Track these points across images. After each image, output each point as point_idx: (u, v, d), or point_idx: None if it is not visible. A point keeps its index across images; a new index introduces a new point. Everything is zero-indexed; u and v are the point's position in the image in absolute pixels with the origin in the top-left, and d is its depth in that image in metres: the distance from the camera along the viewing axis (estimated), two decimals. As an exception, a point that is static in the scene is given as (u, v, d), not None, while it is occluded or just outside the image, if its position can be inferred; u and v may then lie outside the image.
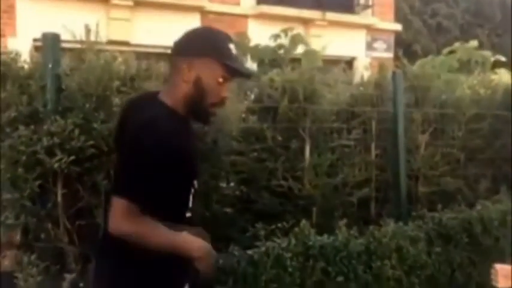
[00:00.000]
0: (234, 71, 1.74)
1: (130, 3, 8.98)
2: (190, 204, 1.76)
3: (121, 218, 1.54)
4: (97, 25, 2.93)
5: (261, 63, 6.21)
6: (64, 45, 2.82)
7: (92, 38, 2.97)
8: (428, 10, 12.97)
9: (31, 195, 2.53)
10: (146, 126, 1.60)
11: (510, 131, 5.02)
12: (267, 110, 4.04)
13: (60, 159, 2.55)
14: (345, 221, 3.20)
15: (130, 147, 1.60)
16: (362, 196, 4.19)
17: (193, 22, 8.83)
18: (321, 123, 4.10)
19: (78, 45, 2.99)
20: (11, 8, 8.69)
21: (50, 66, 2.70)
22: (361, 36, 11.51)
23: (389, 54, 11.35)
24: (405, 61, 4.88)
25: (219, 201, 3.47)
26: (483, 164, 4.87)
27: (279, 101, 3.98)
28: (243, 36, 6.85)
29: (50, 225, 2.57)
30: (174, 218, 1.65)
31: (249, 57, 6.26)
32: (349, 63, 10.38)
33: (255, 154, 3.83)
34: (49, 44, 2.72)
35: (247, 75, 1.85)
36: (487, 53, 7.01)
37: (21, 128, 2.57)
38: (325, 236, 3.01)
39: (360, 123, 4.35)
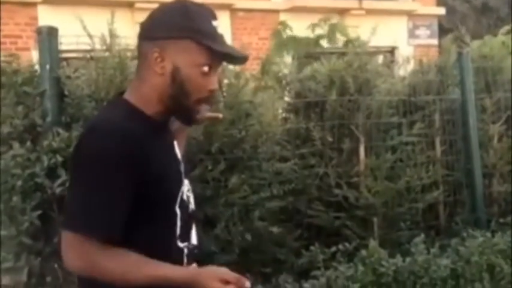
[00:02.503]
0: (222, 56, 1.31)
1: (155, 6, 8.59)
2: (179, 232, 1.33)
3: (70, 254, 1.23)
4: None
5: (298, 56, 5.66)
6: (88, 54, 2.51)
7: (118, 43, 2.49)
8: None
9: (31, 230, 2.03)
10: (89, 133, 1.26)
11: None
12: (311, 106, 3.47)
13: (64, 182, 2.03)
14: (422, 236, 2.57)
15: (71, 161, 1.28)
16: (430, 201, 3.55)
17: (222, 20, 8.38)
18: (377, 118, 3.49)
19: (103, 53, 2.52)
20: (34, 20, 8.43)
21: (48, 67, 2.19)
22: (402, 24, 10.79)
23: (434, 41, 10.57)
24: (468, 39, 4.21)
25: (263, 218, 2.92)
26: None
27: (325, 95, 3.39)
28: (284, 25, 6.29)
29: (56, 266, 2.05)
30: (154, 251, 1.27)
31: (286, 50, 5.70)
32: (391, 53, 9.71)
33: (302, 159, 3.26)
34: (45, 40, 2.22)
35: (239, 59, 1.39)
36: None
37: (16, 145, 2.07)
38: (399, 258, 2.39)
39: (422, 116, 3.71)
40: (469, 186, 3.69)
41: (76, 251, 1.21)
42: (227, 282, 1.21)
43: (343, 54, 3.95)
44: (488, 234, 2.88)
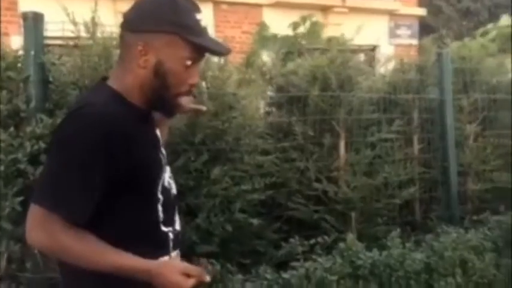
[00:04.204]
0: (206, 50, 1.33)
1: (138, -5, 8.51)
2: (162, 216, 1.34)
3: (34, 228, 1.23)
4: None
5: (279, 53, 5.70)
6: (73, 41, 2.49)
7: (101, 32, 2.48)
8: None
9: (12, 215, 2.02)
10: (72, 114, 1.26)
11: None
12: (293, 101, 3.50)
13: (47, 169, 2.02)
14: (398, 231, 2.63)
15: (51, 140, 1.30)
16: (407, 198, 3.62)
17: (205, 12, 8.34)
18: (358, 115, 3.55)
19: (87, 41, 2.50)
20: (13, 5, 8.25)
21: (33, 53, 2.17)
22: (384, 23, 10.88)
23: (414, 41, 10.70)
24: (448, 41, 4.30)
25: (243, 210, 2.95)
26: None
27: (308, 90, 3.43)
28: (262, 25, 6.34)
29: (37, 251, 2.05)
30: (138, 236, 1.29)
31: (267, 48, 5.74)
32: (372, 51, 9.79)
33: (283, 153, 3.29)
34: (30, 25, 2.20)
35: (222, 53, 1.41)
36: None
37: (-1, 131, 2.05)
38: (376, 251, 2.45)
39: (401, 114, 3.78)
40: (444, 183, 3.78)
41: (40, 226, 1.21)
42: (188, 276, 1.22)
43: (326, 50, 4.00)
44: (462, 231, 2.96)
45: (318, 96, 3.45)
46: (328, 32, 7.00)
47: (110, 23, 2.40)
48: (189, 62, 1.29)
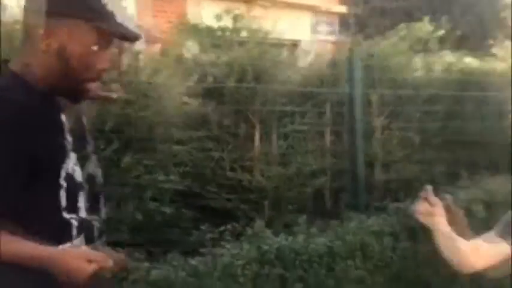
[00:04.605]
0: (111, 35, 1.30)
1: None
2: (64, 203, 1.32)
3: None
4: None
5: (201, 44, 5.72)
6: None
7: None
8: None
9: None
10: None
11: (467, 113, 4.81)
12: (211, 92, 3.54)
13: None
14: (304, 217, 2.77)
15: None
16: (318, 187, 3.79)
17: (128, 1, 8.14)
18: (272, 106, 3.65)
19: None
20: None
21: None
22: (306, 19, 11.16)
23: (335, 38, 11.07)
24: (360, 39, 4.52)
25: (156, 199, 2.96)
26: (441, 148, 4.60)
27: (225, 82, 3.49)
28: (183, 19, 6.33)
29: None
30: (39, 223, 1.26)
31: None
32: (293, 46, 10.00)
33: (199, 142, 3.34)
34: None
35: (131, 38, 1.38)
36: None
37: None
38: (283, 236, 2.56)
39: (314, 107, 3.94)
40: (352, 173, 3.98)
41: None
42: (90, 261, 1.20)
43: (246, 43, 4.09)
44: (364, 217, 3.15)
45: (234, 88, 3.52)
46: (252, 26, 7.09)
47: (13, 4, 2.32)
48: (95, 47, 1.27)
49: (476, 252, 1.62)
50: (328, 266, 2.65)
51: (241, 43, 4.20)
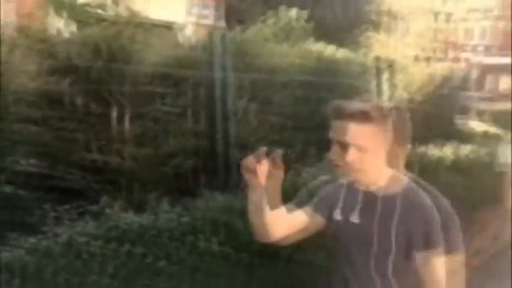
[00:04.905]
0: None
1: None
2: None
3: None
4: None
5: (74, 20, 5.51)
6: None
7: None
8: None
9: None
10: None
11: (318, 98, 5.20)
12: (73, 71, 3.48)
13: None
14: (154, 195, 2.86)
15: None
16: (176, 167, 3.90)
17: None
18: (133, 87, 3.68)
19: None
20: None
21: None
22: (184, 1, 11.16)
23: (209, 21, 11.21)
24: (225, 24, 4.68)
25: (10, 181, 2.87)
26: (297, 130, 4.95)
27: (91, 61, 3.45)
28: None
29: None
30: None
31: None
32: (167, 28, 9.98)
33: (52, 122, 3.27)
34: None
35: None
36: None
37: None
38: (145, 216, 2.65)
39: (179, 89, 4.03)
40: (213, 154, 4.14)
41: None
42: None
43: (116, 23, 4.04)
44: (229, 196, 3.30)
45: (99, 68, 3.48)
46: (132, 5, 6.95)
47: None
48: None
49: (279, 222, 1.71)
50: (191, 245, 2.75)
51: (112, 23, 4.14)
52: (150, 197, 2.86)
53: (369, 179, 1.73)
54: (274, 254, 3.22)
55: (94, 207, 2.52)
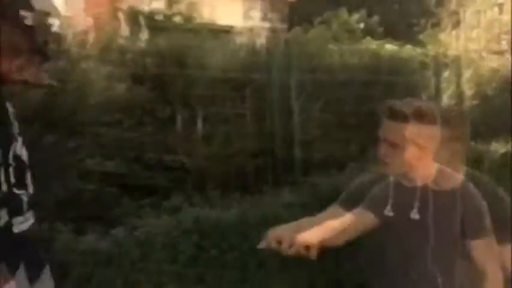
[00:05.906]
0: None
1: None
2: (14, 180, 1.45)
3: None
4: None
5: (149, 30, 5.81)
6: None
7: None
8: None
9: None
10: None
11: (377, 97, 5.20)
12: (151, 78, 3.74)
13: None
14: (218, 192, 3.04)
15: None
16: (244, 165, 4.07)
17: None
18: (196, 91, 3.89)
19: None
20: None
21: None
22: (238, 4, 11.25)
23: (267, 24, 11.26)
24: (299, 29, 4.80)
25: (81, 177, 3.13)
26: (353, 129, 4.97)
27: (165, 69, 3.69)
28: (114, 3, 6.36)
29: None
30: None
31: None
32: (227, 32, 10.13)
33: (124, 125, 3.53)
34: None
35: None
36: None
37: None
38: (210, 210, 2.83)
39: (236, 91, 4.20)
40: (271, 152, 4.28)
41: None
42: None
43: (187, 30, 4.27)
44: (277, 191, 3.41)
45: (176, 74, 3.70)
46: (204, 12, 7.18)
47: None
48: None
49: (345, 236, 1.69)
50: (243, 235, 2.90)
51: (180, 30, 4.36)
52: (215, 193, 3.02)
53: (417, 174, 1.79)
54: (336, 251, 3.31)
55: (167, 203, 2.71)
